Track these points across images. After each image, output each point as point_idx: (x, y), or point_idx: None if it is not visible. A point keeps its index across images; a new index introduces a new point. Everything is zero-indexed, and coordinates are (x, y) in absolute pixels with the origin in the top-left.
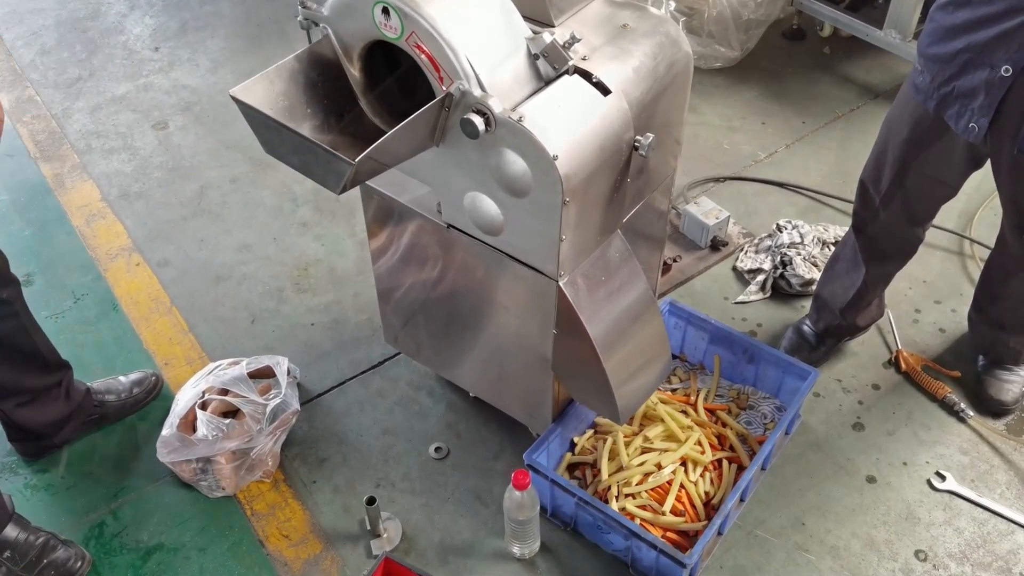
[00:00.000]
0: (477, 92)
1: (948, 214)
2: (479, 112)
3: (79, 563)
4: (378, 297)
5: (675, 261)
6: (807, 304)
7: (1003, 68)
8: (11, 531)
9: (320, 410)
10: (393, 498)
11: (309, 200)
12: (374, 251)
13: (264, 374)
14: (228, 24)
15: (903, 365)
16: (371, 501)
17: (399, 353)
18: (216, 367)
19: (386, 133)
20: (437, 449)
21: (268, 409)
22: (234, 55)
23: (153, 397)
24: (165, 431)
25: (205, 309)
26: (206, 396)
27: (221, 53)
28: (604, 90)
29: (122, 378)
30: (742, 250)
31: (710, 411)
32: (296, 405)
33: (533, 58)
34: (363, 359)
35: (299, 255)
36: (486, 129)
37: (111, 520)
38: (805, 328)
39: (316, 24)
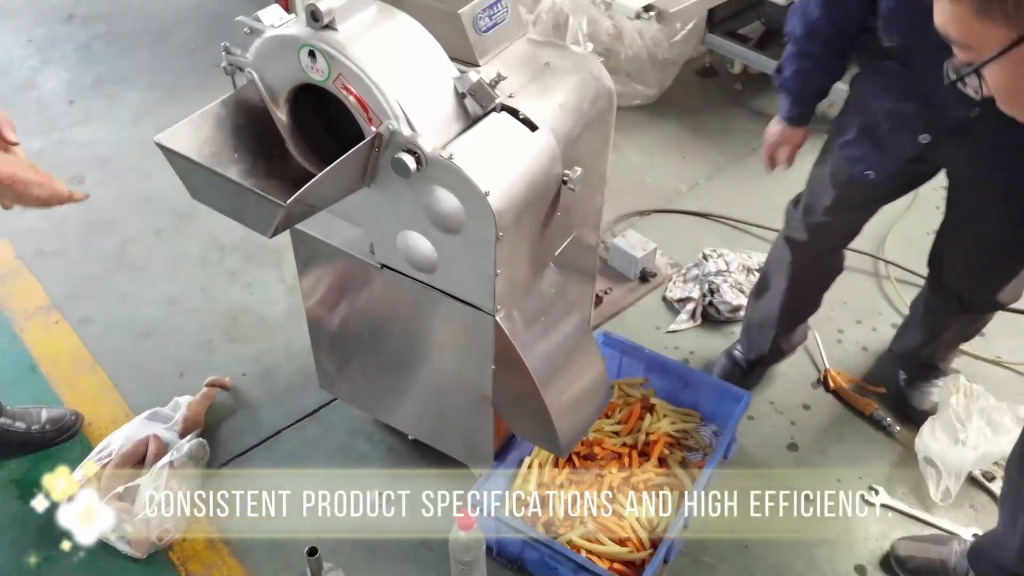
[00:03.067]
0: (407, 132)
1: (861, 237)
2: (410, 151)
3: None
4: (311, 342)
5: (606, 293)
6: (736, 330)
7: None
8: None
9: (255, 463)
10: (335, 548)
11: (237, 249)
12: (306, 295)
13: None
14: (146, 76)
15: (831, 384)
16: (312, 552)
17: (334, 399)
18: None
19: (315, 175)
20: (379, 495)
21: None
22: (154, 106)
23: (67, 438)
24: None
25: (131, 365)
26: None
27: (140, 105)
28: (531, 126)
29: (43, 411)
30: (670, 280)
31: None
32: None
33: (460, 97)
34: (297, 408)
35: (228, 305)
36: (417, 168)
37: None
38: (736, 353)
39: (240, 69)
